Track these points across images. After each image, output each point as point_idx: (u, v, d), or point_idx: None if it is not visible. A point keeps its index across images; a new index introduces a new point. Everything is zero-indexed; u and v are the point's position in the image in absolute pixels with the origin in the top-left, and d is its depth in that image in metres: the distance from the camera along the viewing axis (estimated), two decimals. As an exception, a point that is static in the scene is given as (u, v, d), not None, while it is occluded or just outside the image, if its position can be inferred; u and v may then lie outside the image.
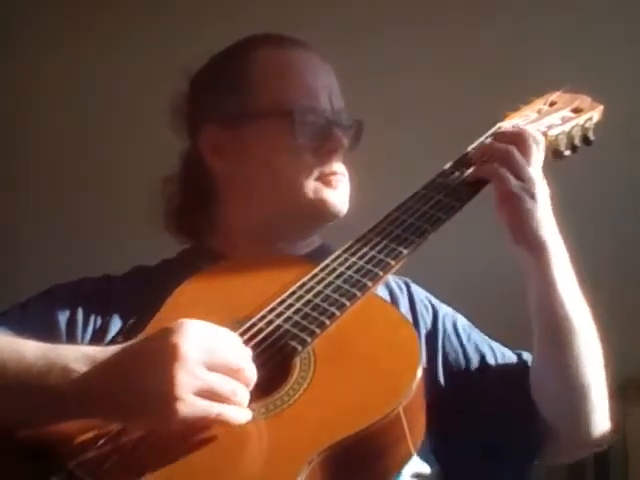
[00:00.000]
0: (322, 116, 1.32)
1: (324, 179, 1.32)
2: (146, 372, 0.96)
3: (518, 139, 1.22)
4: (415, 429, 1.05)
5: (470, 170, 1.24)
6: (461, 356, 1.31)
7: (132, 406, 0.97)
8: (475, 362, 1.31)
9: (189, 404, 0.94)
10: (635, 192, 2.41)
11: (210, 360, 0.97)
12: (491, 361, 1.31)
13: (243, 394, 0.99)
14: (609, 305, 2.32)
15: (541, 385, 1.24)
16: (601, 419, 1.24)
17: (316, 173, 1.32)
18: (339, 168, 1.34)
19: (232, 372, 0.99)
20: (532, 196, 1.19)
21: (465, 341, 1.33)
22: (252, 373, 1.01)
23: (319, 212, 1.33)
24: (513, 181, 1.18)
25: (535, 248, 1.20)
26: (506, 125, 1.33)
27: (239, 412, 0.98)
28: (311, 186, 1.31)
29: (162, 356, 0.96)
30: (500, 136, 1.25)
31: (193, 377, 0.95)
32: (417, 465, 1.19)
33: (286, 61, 1.36)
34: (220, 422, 0.96)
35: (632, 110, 2.16)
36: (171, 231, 1.42)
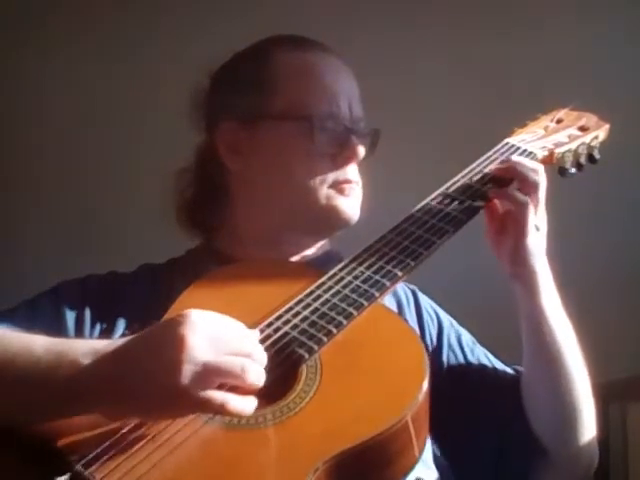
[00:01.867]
0: (341, 123, 1.32)
1: (337, 186, 1.32)
2: (152, 363, 0.96)
3: (543, 178, 1.24)
4: (421, 437, 1.05)
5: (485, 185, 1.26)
6: (463, 371, 1.32)
7: (139, 397, 0.96)
8: (476, 378, 1.32)
9: (193, 394, 0.94)
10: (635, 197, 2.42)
11: (217, 348, 0.96)
12: (491, 373, 1.33)
13: (255, 370, 0.98)
14: (611, 305, 2.35)
15: (531, 402, 1.27)
16: (587, 440, 1.26)
17: (330, 180, 1.31)
18: (354, 176, 1.34)
19: (242, 354, 0.98)
20: (538, 230, 1.22)
21: (469, 356, 1.34)
22: (262, 355, 1.00)
23: (329, 219, 1.33)
24: (533, 215, 1.21)
25: (527, 279, 1.23)
26: (513, 142, 1.34)
27: (244, 401, 0.97)
28: (324, 192, 1.31)
29: (168, 347, 0.95)
30: (531, 170, 1.24)
31: (199, 367, 0.94)
32: (420, 470, 1.19)
33: (307, 64, 1.35)
34: (226, 412, 0.96)
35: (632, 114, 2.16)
36: (182, 224, 1.41)
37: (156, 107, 2.22)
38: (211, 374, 0.95)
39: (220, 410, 0.95)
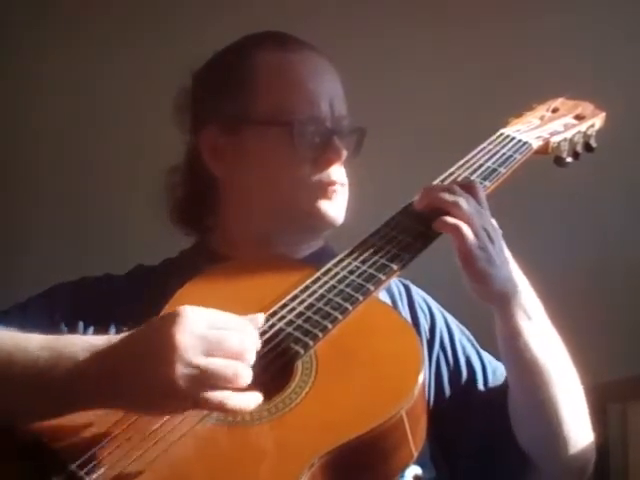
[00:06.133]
0: (322, 124, 1.31)
1: (321, 189, 1.31)
2: (147, 360, 0.95)
3: (470, 189, 1.19)
4: (417, 433, 1.05)
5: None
6: (452, 370, 1.31)
7: (138, 392, 0.96)
8: (464, 377, 1.31)
9: (192, 395, 0.93)
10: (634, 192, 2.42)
11: (208, 347, 0.95)
12: (480, 379, 1.31)
13: (247, 373, 0.97)
14: (611, 306, 2.34)
15: (515, 419, 1.25)
16: (579, 449, 1.24)
17: (313, 183, 1.30)
18: (338, 177, 1.32)
19: (233, 355, 0.97)
20: (492, 242, 1.16)
21: (459, 354, 1.33)
22: (252, 353, 0.98)
23: (313, 222, 1.32)
24: (470, 236, 1.14)
25: (499, 301, 1.19)
26: (508, 132, 1.34)
27: (245, 397, 0.96)
28: (307, 196, 1.30)
29: (160, 345, 0.95)
30: (443, 193, 1.18)
31: (192, 369, 0.93)
32: (418, 468, 1.19)
33: (288, 66, 1.33)
34: (226, 410, 0.95)
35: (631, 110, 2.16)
36: (174, 222, 1.41)
37: (156, 107, 2.21)
38: (205, 378, 0.94)
39: (220, 408, 0.95)
